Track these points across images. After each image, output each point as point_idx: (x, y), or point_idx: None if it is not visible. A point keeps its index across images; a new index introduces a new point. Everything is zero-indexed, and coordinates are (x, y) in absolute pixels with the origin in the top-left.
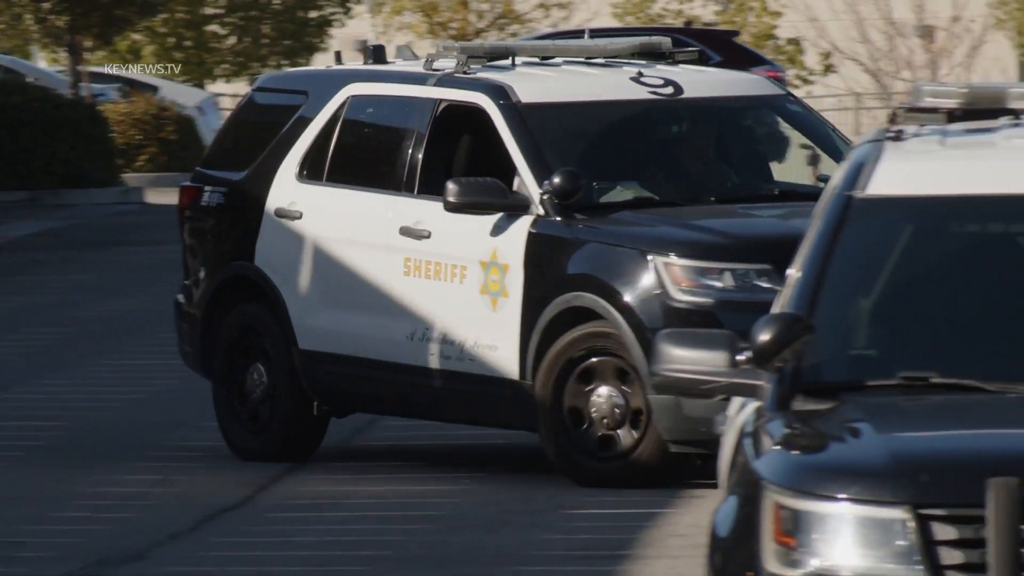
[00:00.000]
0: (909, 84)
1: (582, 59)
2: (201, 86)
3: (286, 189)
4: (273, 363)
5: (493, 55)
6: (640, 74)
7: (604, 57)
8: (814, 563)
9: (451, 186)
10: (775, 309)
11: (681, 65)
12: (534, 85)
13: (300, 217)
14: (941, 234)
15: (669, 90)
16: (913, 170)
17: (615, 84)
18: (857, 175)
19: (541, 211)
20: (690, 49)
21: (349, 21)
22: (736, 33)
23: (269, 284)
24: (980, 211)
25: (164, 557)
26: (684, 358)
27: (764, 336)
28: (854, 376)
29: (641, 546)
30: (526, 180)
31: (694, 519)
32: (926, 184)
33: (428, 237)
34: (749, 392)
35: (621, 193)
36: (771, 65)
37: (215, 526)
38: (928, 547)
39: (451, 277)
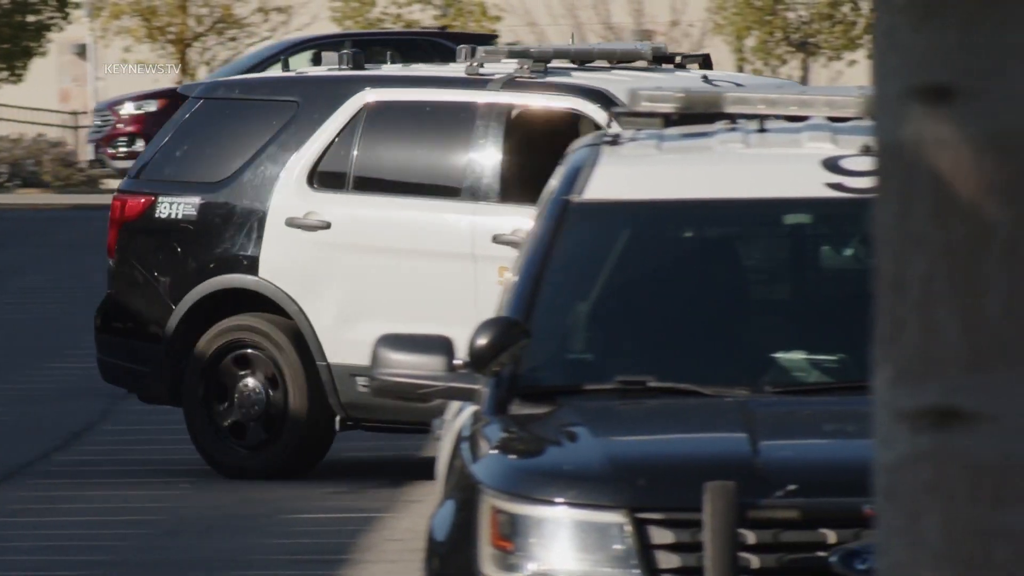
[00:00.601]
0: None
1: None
2: None
3: (295, 199)
4: (284, 378)
5: (541, 58)
6: (705, 78)
7: (632, 60)
8: (531, 567)
9: None
10: (495, 313)
11: (689, 68)
12: (627, 89)
13: (327, 227)
14: (658, 239)
15: None
16: (630, 175)
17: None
18: (574, 179)
19: None
20: (697, 54)
21: (68, 25)
22: (495, 37)
23: (282, 296)
24: (696, 216)
25: None
26: (402, 362)
27: (481, 340)
28: (571, 380)
29: (359, 550)
30: None
31: (411, 523)
32: (642, 189)
33: None
34: (466, 396)
35: None
36: None
37: None
38: (645, 551)
39: None
